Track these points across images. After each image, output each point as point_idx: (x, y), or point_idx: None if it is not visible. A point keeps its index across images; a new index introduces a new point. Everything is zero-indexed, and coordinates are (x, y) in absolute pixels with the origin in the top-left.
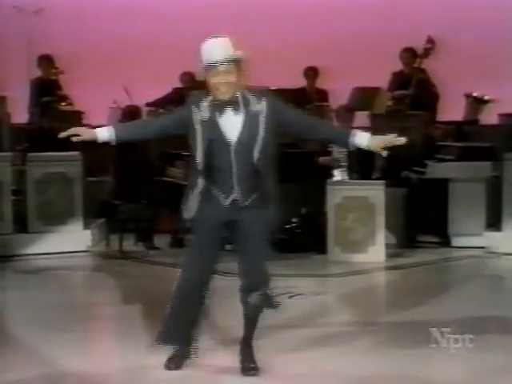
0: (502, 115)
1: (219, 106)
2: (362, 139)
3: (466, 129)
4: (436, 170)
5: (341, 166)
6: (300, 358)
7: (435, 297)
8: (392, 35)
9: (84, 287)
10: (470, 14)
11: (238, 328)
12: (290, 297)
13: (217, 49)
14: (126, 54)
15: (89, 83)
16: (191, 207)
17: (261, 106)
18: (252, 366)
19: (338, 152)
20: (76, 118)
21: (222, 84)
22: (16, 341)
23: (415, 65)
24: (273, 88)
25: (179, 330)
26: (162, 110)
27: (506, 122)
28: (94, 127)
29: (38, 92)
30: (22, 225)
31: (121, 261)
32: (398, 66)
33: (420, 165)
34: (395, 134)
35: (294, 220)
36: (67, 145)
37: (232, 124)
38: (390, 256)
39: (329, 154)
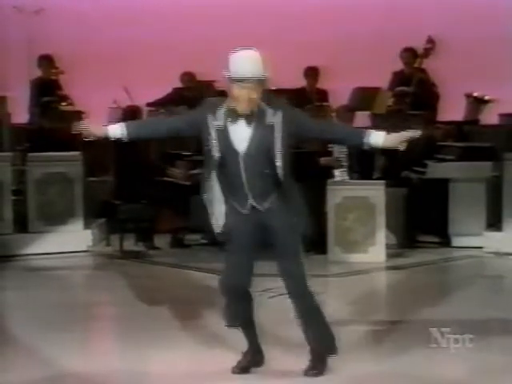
0: (502, 115)
1: (234, 116)
2: (378, 138)
3: (466, 129)
4: (436, 170)
5: (341, 166)
6: (299, 357)
7: (435, 297)
8: (392, 35)
9: (84, 287)
10: (471, 13)
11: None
12: None
13: (247, 63)
14: (127, 54)
15: (89, 83)
16: (218, 220)
17: (276, 118)
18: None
19: (339, 152)
20: (76, 118)
21: (245, 99)
22: (16, 341)
23: (415, 65)
24: (273, 88)
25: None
26: (162, 110)
27: (507, 122)
28: None
29: (38, 92)
30: (22, 225)
31: (121, 261)
32: (399, 65)
33: (420, 165)
34: (409, 131)
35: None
36: (67, 145)
37: (242, 134)
38: (390, 256)
39: (329, 154)
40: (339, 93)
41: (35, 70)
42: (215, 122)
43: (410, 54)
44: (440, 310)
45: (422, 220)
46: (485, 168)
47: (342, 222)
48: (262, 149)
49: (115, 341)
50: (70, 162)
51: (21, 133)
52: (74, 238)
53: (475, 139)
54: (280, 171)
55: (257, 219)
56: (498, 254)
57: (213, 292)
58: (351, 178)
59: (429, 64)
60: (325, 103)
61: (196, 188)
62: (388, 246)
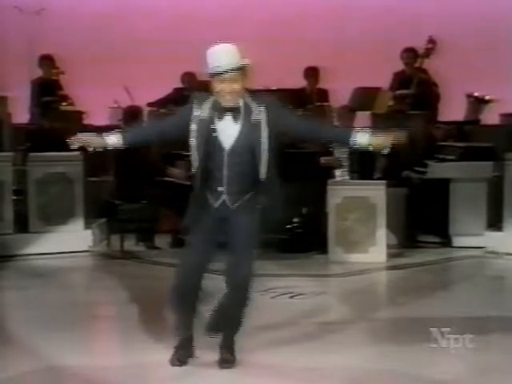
0: (503, 115)
1: (220, 111)
2: (363, 138)
3: (467, 129)
4: (437, 170)
5: (342, 166)
6: (300, 356)
7: (436, 297)
8: (393, 35)
9: (85, 287)
10: (471, 13)
11: None
12: (291, 297)
13: (223, 56)
14: (127, 54)
15: (90, 83)
16: (189, 209)
17: (262, 115)
18: (230, 357)
19: (340, 152)
20: (77, 118)
21: (227, 92)
22: (17, 340)
23: (416, 65)
24: (273, 88)
25: (182, 323)
26: (163, 110)
27: (507, 121)
28: (96, 127)
29: (39, 92)
30: (22, 225)
31: (122, 261)
32: (399, 66)
33: (421, 165)
34: (395, 132)
35: (295, 220)
36: (68, 145)
37: (229, 130)
38: (390, 256)
39: (330, 154)
40: (340, 93)
41: (36, 70)
42: (199, 113)
43: (410, 54)
44: (440, 309)
45: (422, 220)
46: (486, 168)
47: (343, 222)
48: (247, 147)
49: (116, 340)
50: (70, 162)
51: (21, 133)
52: (74, 238)
53: (476, 139)
54: (262, 171)
55: (223, 214)
56: (498, 254)
57: (213, 292)
58: (352, 178)
59: (430, 64)
60: (325, 103)
61: None
62: (389, 246)
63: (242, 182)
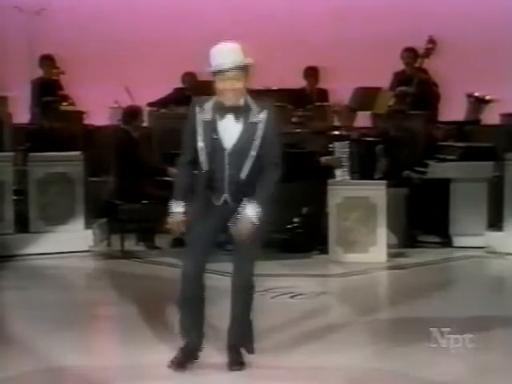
0: (503, 115)
1: (222, 110)
2: (248, 211)
3: (467, 129)
4: (437, 170)
5: (342, 166)
6: (300, 356)
7: (436, 297)
8: (393, 35)
9: (85, 287)
10: (472, 13)
11: None
12: (292, 296)
13: (226, 54)
14: (128, 54)
15: (90, 83)
16: (191, 209)
17: (261, 117)
18: (240, 359)
19: (340, 152)
20: (77, 118)
21: (229, 90)
22: (17, 340)
23: (416, 65)
24: (273, 88)
25: (189, 325)
26: (163, 110)
27: (508, 121)
28: (96, 127)
29: (39, 92)
30: (23, 225)
31: (122, 261)
32: (400, 65)
33: (421, 165)
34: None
35: (295, 220)
36: (68, 145)
37: (230, 130)
38: (391, 256)
39: (331, 153)
40: (340, 93)
41: (36, 70)
42: (203, 115)
43: (410, 54)
44: (441, 309)
45: (422, 220)
46: (486, 168)
47: (343, 222)
48: (245, 146)
49: (116, 340)
50: (71, 162)
51: (22, 133)
52: (75, 238)
53: (476, 139)
54: (248, 169)
55: (224, 212)
56: (498, 254)
57: (213, 292)
58: (352, 178)
59: (430, 64)
60: (325, 103)
61: None
62: (389, 246)
63: (243, 184)
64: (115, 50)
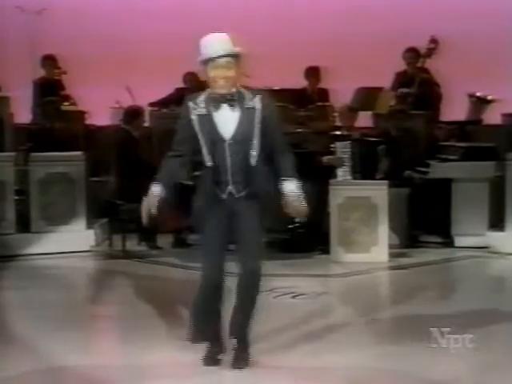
0: (505, 115)
1: (215, 101)
2: (287, 186)
3: (469, 129)
4: (439, 170)
5: (344, 165)
6: (301, 355)
7: (438, 297)
8: (395, 35)
9: (86, 287)
10: (474, 13)
11: None
12: (293, 297)
13: (216, 43)
14: (129, 54)
15: (91, 83)
16: (197, 206)
17: (255, 103)
18: (244, 356)
19: (342, 151)
20: (79, 118)
21: (221, 78)
22: (18, 340)
23: (418, 65)
24: (275, 88)
25: (208, 326)
26: (164, 110)
27: (509, 121)
28: (98, 127)
29: (40, 92)
30: (24, 225)
31: (123, 261)
32: (401, 65)
33: (423, 165)
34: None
35: (296, 220)
36: (70, 145)
37: (227, 120)
38: (392, 256)
39: (332, 153)
40: (342, 93)
41: (38, 70)
42: (197, 110)
43: (412, 54)
44: (442, 309)
45: (424, 220)
46: (488, 168)
47: (345, 222)
48: (246, 134)
49: (117, 340)
50: (72, 162)
51: (23, 133)
52: (76, 238)
53: (478, 139)
54: (253, 158)
55: (230, 205)
56: (500, 254)
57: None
58: (354, 178)
59: (431, 64)
60: (326, 103)
61: None
62: (390, 246)
63: (245, 171)
64: (117, 50)
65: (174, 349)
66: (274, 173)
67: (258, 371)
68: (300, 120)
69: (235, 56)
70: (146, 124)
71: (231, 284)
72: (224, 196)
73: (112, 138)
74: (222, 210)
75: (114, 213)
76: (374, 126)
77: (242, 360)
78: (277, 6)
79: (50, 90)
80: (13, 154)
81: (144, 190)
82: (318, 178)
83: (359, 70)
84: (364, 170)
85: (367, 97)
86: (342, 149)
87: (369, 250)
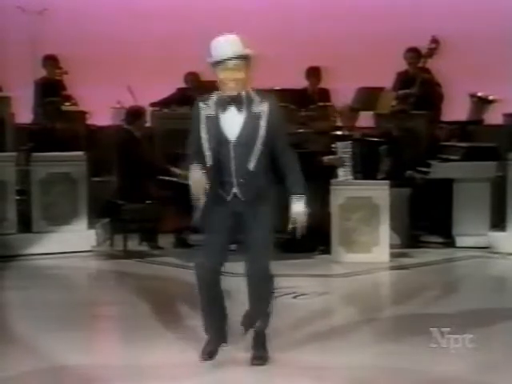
0: (506, 115)
1: (224, 103)
2: (295, 207)
3: (470, 129)
4: (440, 170)
5: (345, 166)
6: (302, 355)
7: (439, 297)
8: (396, 35)
9: (87, 287)
10: (475, 13)
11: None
12: (295, 297)
13: (227, 45)
14: (130, 54)
15: (93, 83)
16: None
17: (263, 107)
18: (262, 354)
19: (343, 151)
20: (80, 118)
21: (230, 80)
22: (19, 339)
23: (419, 65)
24: (276, 88)
25: (210, 320)
26: (166, 110)
27: (511, 122)
28: (99, 127)
29: (42, 92)
30: (26, 225)
31: (125, 261)
32: (403, 65)
33: (424, 165)
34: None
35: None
36: (71, 145)
37: (233, 122)
38: (394, 256)
39: (333, 153)
40: (343, 93)
41: (39, 70)
42: (206, 111)
43: (413, 54)
44: (443, 309)
45: (425, 220)
46: (489, 168)
47: (346, 222)
48: (250, 137)
49: (118, 340)
50: (73, 162)
51: (24, 133)
52: (77, 238)
53: (479, 139)
54: (257, 161)
55: (235, 207)
56: (501, 254)
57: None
58: (355, 178)
59: (433, 64)
60: (328, 103)
61: None
62: (392, 246)
63: (250, 176)
64: (118, 50)
65: (174, 349)
66: (277, 176)
67: (258, 371)
68: (301, 120)
69: (245, 58)
70: (148, 124)
71: (237, 285)
72: (228, 198)
73: (113, 138)
74: (226, 211)
75: (115, 213)
76: (375, 126)
77: (259, 358)
78: (277, 6)
79: (51, 90)
80: (14, 154)
81: (145, 190)
82: (319, 178)
83: (360, 70)
84: (365, 170)
85: (368, 97)
86: (343, 149)
87: (370, 250)
